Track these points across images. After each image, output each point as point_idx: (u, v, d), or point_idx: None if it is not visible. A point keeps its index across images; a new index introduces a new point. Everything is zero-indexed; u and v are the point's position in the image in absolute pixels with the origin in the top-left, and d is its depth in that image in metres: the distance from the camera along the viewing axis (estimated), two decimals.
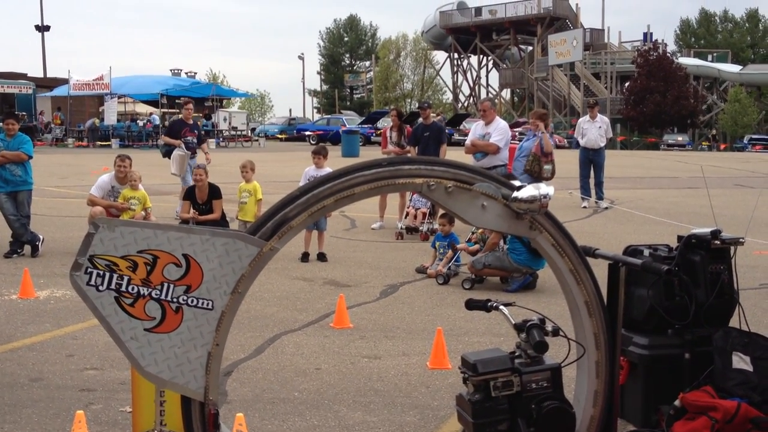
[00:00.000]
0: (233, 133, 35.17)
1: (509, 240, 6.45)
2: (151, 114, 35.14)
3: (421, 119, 9.98)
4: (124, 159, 8.05)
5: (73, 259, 2.23)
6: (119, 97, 33.39)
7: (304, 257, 7.72)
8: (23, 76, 37.56)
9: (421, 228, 9.22)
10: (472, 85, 58.22)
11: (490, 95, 53.81)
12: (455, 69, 58.05)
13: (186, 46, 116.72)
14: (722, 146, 40.77)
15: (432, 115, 10.25)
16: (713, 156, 31.55)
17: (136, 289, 2.21)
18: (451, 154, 8.32)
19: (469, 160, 8.49)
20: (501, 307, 2.72)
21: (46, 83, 38.49)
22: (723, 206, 11.43)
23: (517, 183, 2.54)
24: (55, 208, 11.54)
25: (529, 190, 2.43)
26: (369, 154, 24.46)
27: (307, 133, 37.77)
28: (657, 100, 40.07)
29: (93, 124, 32.62)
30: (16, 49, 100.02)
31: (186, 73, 43.86)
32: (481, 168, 2.71)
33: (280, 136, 40.94)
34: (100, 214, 7.55)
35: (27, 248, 7.86)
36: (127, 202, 7.88)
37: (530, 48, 52.68)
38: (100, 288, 2.20)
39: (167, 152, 10.64)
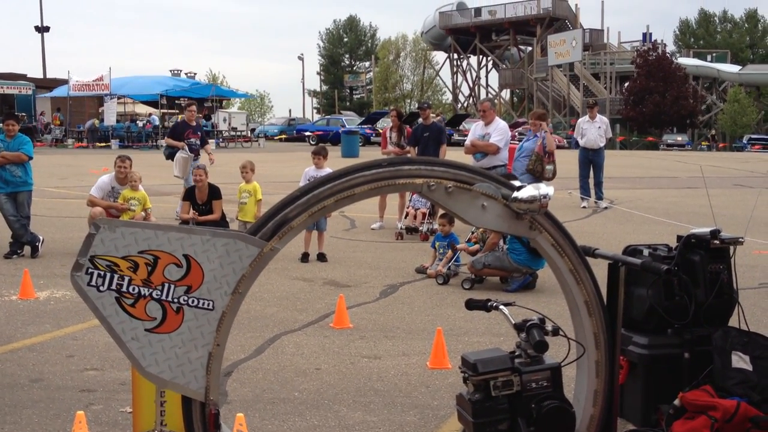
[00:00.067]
0: (233, 133, 35.17)
1: (509, 240, 6.46)
2: (150, 115, 35.15)
3: (420, 120, 9.99)
4: (124, 160, 8.05)
5: (74, 260, 2.24)
6: (119, 98, 33.39)
7: (304, 257, 7.72)
8: (23, 77, 37.58)
9: (420, 228, 9.23)
10: (471, 85, 58.25)
11: (489, 96, 53.84)
12: (455, 69, 58.08)
13: (186, 47, 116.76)
14: (721, 145, 40.82)
15: (432, 115, 10.26)
16: (712, 156, 31.58)
17: (137, 290, 2.21)
18: (451, 154, 8.33)
19: (468, 160, 8.50)
20: (501, 306, 2.72)
21: (46, 84, 38.49)
22: (722, 206, 11.44)
23: (517, 183, 2.54)
24: (54, 208, 11.54)
25: (528, 191, 2.44)
26: (368, 154, 24.46)
27: (307, 133, 37.78)
28: (656, 100, 40.11)
29: (93, 124, 32.61)
30: (16, 49, 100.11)
31: (186, 74, 43.85)
32: (480, 168, 2.71)
33: (279, 137, 40.95)
34: (99, 214, 7.56)
35: (27, 249, 7.86)
36: (127, 202, 7.88)
37: (530, 48, 52.70)
38: (101, 288, 2.21)
39: (170, 154, 10.62)
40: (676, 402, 3.07)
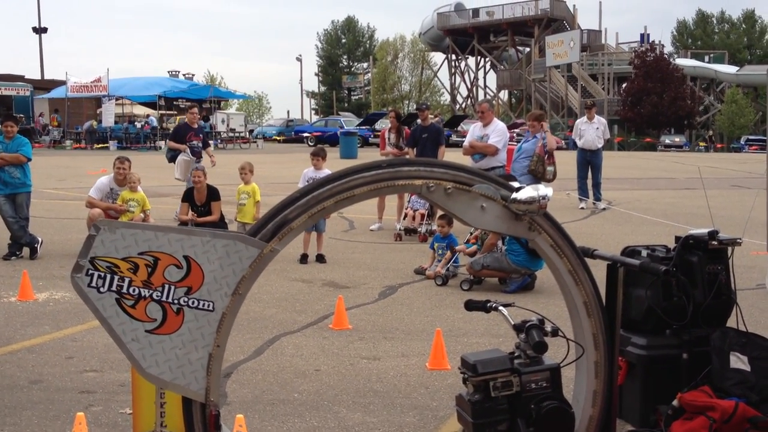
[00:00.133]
0: (231, 134, 35.15)
1: (507, 241, 6.47)
2: (148, 116, 35.12)
3: (419, 121, 10.00)
4: (123, 161, 8.05)
5: (73, 261, 2.24)
6: (117, 99, 33.36)
7: (303, 259, 7.73)
8: (21, 78, 37.53)
9: (419, 229, 9.24)
10: (469, 86, 58.30)
11: (487, 96, 53.87)
12: (453, 70, 58.13)
13: (184, 48, 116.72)
14: (719, 146, 40.89)
15: (430, 116, 10.27)
16: (710, 157, 31.63)
17: (137, 291, 2.22)
18: (449, 155, 8.33)
19: (467, 161, 8.51)
20: (500, 307, 2.73)
21: (44, 85, 38.46)
22: (720, 207, 11.46)
23: (516, 184, 2.55)
24: (53, 210, 11.53)
25: (527, 192, 2.45)
26: (367, 155, 24.47)
27: (305, 134, 37.78)
28: (654, 101, 40.17)
29: (91, 126, 32.59)
30: (14, 50, 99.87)
31: (184, 75, 43.85)
32: (479, 169, 2.72)
33: (278, 138, 40.93)
34: (98, 216, 7.56)
35: (26, 250, 7.86)
36: (126, 204, 7.88)
37: (528, 49, 52.76)
38: (102, 290, 2.21)
39: (173, 157, 10.59)
40: (675, 402, 3.08)
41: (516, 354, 2.61)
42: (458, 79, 58.41)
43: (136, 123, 33.77)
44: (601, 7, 66.78)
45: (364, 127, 35.62)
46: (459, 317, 5.53)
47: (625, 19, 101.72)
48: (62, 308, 5.80)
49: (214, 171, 10.70)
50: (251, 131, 41.44)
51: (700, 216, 10.37)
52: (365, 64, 64.79)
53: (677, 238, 3.36)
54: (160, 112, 34.16)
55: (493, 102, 47.49)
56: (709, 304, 3.25)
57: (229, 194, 9.75)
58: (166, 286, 2.23)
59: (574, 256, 2.59)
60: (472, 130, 8.99)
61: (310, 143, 34.07)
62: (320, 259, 7.76)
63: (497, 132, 8.61)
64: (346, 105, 63.53)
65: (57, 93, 35.03)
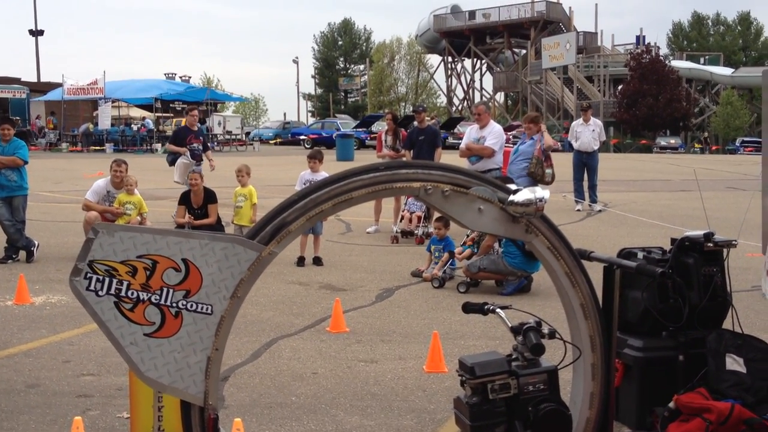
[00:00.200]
0: (228, 137, 35.13)
1: (504, 243, 6.48)
2: (144, 118, 35.07)
3: (416, 123, 10.02)
4: (120, 164, 8.04)
5: (69, 265, 2.24)
6: (113, 102, 33.31)
7: (300, 261, 7.73)
8: (17, 81, 37.43)
9: (416, 232, 9.24)
10: (466, 88, 58.38)
11: (484, 98, 53.95)
12: (449, 72, 58.21)
13: (180, 51, 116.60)
14: (714, 148, 41.03)
15: (427, 118, 10.29)
16: (705, 159, 31.73)
17: (135, 294, 2.22)
18: (446, 157, 8.36)
19: (463, 163, 8.53)
20: (498, 310, 2.74)
21: (40, 88, 38.37)
22: (715, 209, 11.51)
23: (513, 187, 2.56)
24: (49, 213, 11.51)
25: (525, 194, 2.46)
26: (363, 157, 24.48)
27: (302, 137, 37.77)
28: (650, 103, 40.30)
29: (87, 128, 32.52)
30: (10, 53, 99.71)
31: (180, 77, 43.88)
32: (477, 172, 2.73)
33: (274, 141, 40.92)
34: (95, 219, 7.54)
35: (22, 254, 7.84)
36: (123, 207, 7.87)
37: (524, 51, 52.87)
38: (100, 293, 2.21)
39: (173, 160, 10.56)
40: (671, 404, 3.08)
41: (513, 356, 2.61)
42: (454, 81, 58.52)
43: (132, 125, 33.71)
44: (597, 10, 66.85)
45: (360, 130, 35.64)
46: (456, 320, 5.53)
47: (620, 22, 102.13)
48: (59, 312, 5.79)
49: (211, 173, 10.69)
50: (248, 133, 41.42)
51: (696, 218, 10.40)
52: (362, 67, 64.84)
53: (673, 240, 3.37)
54: (156, 114, 34.10)
55: (490, 104, 47.66)
56: (704, 305, 3.26)
57: (225, 197, 9.74)
58: (165, 290, 2.23)
59: (570, 258, 2.60)
60: (469, 132, 9.01)
61: (306, 145, 34.05)
62: (317, 261, 7.76)
63: (494, 134, 8.63)
64: (342, 107, 63.55)
65: (53, 95, 34.96)
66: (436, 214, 7.85)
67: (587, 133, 12.22)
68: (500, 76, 53.89)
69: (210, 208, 8.10)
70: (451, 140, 30.56)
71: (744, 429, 2.92)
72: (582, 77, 46.55)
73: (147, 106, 35.18)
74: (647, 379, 3.28)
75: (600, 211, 12.01)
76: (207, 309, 2.26)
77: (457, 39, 55.13)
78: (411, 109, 44.95)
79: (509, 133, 21.63)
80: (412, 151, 9.57)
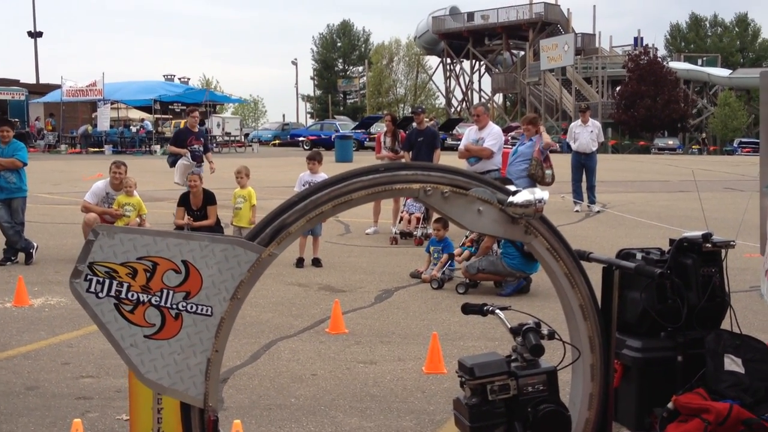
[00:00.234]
0: (227, 138, 35.14)
1: (503, 244, 6.49)
2: (143, 120, 35.05)
3: (414, 124, 10.03)
4: (119, 165, 8.04)
5: (68, 267, 2.25)
6: (112, 103, 33.29)
7: (299, 263, 7.73)
8: (16, 83, 37.39)
9: (415, 233, 9.25)
10: (464, 89, 58.46)
11: (482, 100, 54.01)
12: (448, 74, 58.25)
13: (179, 52, 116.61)
14: (711, 148, 41.10)
15: (425, 120, 10.30)
16: (703, 159, 31.78)
17: (135, 296, 2.22)
18: (444, 158, 8.37)
19: (462, 164, 8.54)
20: (497, 311, 2.74)
21: (39, 89, 38.33)
22: (713, 209, 11.53)
23: (512, 188, 2.57)
24: (48, 215, 11.50)
25: (524, 195, 2.46)
26: (362, 159, 24.49)
27: (301, 138, 37.79)
28: (648, 104, 40.37)
29: (86, 130, 32.50)
30: (9, 55, 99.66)
31: (179, 79, 43.84)
32: (476, 173, 2.74)
33: (273, 142, 40.92)
34: (94, 220, 7.54)
35: (21, 256, 7.84)
36: (122, 208, 7.87)
37: (522, 53, 52.93)
38: (100, 295, 2.21)
39: (174, 162, 10.53)
40: (670, 405, 3.09)
41: (513, 357, 2.62)
42: (453, 82, 58.58)
43: (131, 127, 33.69)
44: (595, 11, 66.89)
45: (359, 131, 35.66)
46: (455, 321, 5.54)
47: (618, 23, 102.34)
48: (58, 314, 5.79)
49: (210, 175, 10.68)
50: (247, 135, 41.43)
51: (694, 218, 10.42)
52: (360, 68, 64.88)
53: (671, 241, 3.37)
54: (155, 116, 34.08)
55: (488, 105, 47.70)
56: (703, 306, 3.26)
57: (224, 198, 9.74)
58: (165, 291, 2.23)
59: (570, 259, 2.61)
60: (468, 133, 9.03)
61: (305, 147, 34.05)
62: (316, 263, 7.77)
63: (492, 135, 8.64)
64: (341, 108, 63.59)
65: (52, 97, 34.93)
66: (435, 216, 7.86)
67: (586, 134, 12.25)
68: (499, 78, 53.94)
69: (209, 210, 8.10)
70: (449, 141, 30.60)
71: (742, 429, 2.92)
72: (580, 78, 46.62)
73: (146, 108, 35.15)
74: (646, 380, 3.29)
75: (598, 212, 12.03)
76: (207, 311, 2.26)
77: (455, 40, 55.18)
78: (410, 110, 44.99)
79: (508, 135, 21.67)
80: (410, 153, 9.58)
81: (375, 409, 3.87)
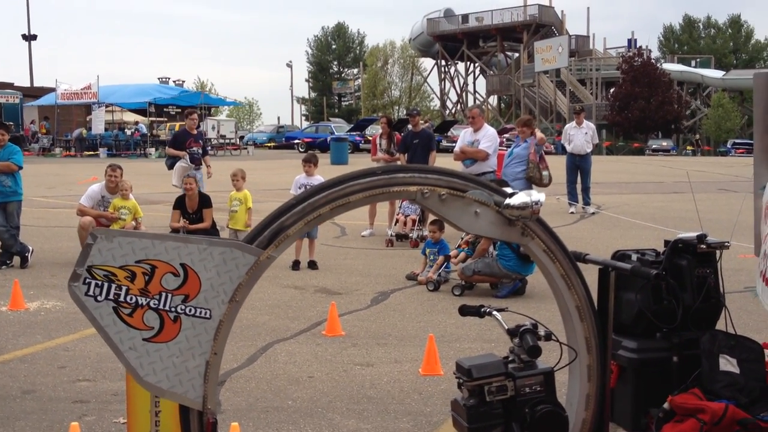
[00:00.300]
0: (222, 141, 35.09)
1: (498, 246, 6.51)
2: (138, 123, 34.97)
3: (410, 126, 10.05)
4: (115, 168, 8.03)
5: (64, 270, 2.27)
6: (107, 106, 33.22)
7: (295, 265, 7.73)
8: (10, 86, 37.29)
9: (411, 235, 9.26)
10: (459, 91, 58.53)
11: (477, 102, 54.10)
12: (442, 76, 58.34)
13: (174, 55, 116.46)
14: (705, 149, 41.28)
15: (421, 122, 10.33)
16: (697, 161, 31.91)
17: (134, 299, 2.23)
18: (440, 160, 8.39)
19: (457, 166, 8.56)
20: (494, 312, 2.76)
21: (33, 92, 38.23)
22: (708, 210, 11.58)
23: (508, 190, 2.58)
24: (43, 218, 11.46)
25: (521, 197, 2.48)
26: (358, 161, 24.50)
27: (296, 140, 37.77)
28: (642, 105, 40.53)
29: (80, 133, 32.41)
30: (3, 58, 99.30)
31: (174, 82, 43.74)
32: (472, 175, 2.75)
33: (268, 145, 40.89)
34: (89, 224, 7.53)
35: (16, 259, 7.81)
36: (118, 211, 7.86)
37: (517, 55, 53.08)
38: (99, 298, 2.22)
39: (172, 164, 10.48)
40: (666, 405, 3.11)
41: (510, 358, 2.63)
42: (448, 84, 58.69)
43: (126, 130, 33.61)
44: (589, 13, 67.13)
45: (354, 133, 35.67)
46: (451, 322, 5.55)
47: (612, 25, 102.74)
48: (54, 317, 5.77)
49: (207, 178, 10.66)
50: (242, 138, 41.37)
51: (689, 220, 10.47)
52: (355, 70, 64.91)
53: (666, 242, 3.40)
54: (150, 119, 34.02)
55: (483, 107, 47.79)
56: (698, 307, 3.29)
57: (220, 201, 9.73)
58: (164, 294, 2.24)
59: (566, 260, 2.63)
60: (463, 135, 9.05)
61: (300, 149, 34.05)
62: (312, 265, 7.77)
63: (488, 137, 8.67)
64: (336, 111, 63.61)
65: (46, 100, 34.84)
66: (431, 217, 7.88)
67: (580, 136, 12.29)
68: (493, 80, 54.06)
69: (205, 213, 8.10)
70: (444, 143, 30.63)
71: (738, 429, 2.94)
72: (574, 80, 46.78)
73: (141, 111, 35.09)
74: (642, 381, 3.30)
75: (593, 213, 12.07)
76: (205, 313, 2.27)
77: (450, 42, 55.27)
78: (405, 112, 45.04)
79: (502, 136, 21.70)
80: (406, 155, 9.60)
81: (372, 411, 3.88)
